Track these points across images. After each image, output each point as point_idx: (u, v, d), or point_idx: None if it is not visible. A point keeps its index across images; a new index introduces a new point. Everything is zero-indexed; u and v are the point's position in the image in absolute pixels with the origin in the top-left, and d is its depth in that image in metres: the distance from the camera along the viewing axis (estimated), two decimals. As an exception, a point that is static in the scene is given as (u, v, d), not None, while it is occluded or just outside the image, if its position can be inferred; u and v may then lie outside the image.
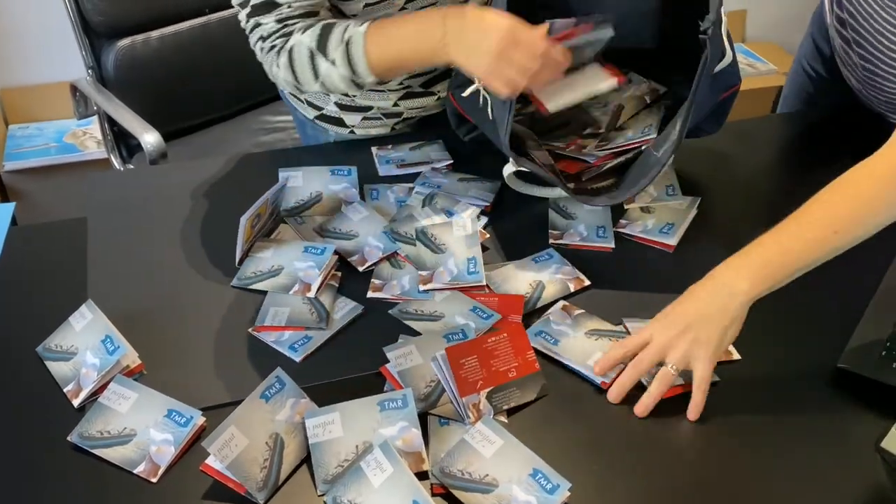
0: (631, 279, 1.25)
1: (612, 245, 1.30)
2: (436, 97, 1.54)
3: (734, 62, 1.30)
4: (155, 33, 2.01)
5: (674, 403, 1.05)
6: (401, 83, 1.43)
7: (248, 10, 1.28)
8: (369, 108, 1.53)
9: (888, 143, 1.08)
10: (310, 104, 1.57)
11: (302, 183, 1.38)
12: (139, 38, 1.99)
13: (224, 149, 2.09)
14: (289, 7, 1.26)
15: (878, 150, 1.07)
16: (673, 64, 1.39)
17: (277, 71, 1.31)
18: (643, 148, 1.34)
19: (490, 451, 0.96)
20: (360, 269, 1.23)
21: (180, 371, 1.07)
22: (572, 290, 1.20)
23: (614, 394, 1.04)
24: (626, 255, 1.30)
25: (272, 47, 1.29)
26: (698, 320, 1.03)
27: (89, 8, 1.90)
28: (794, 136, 1.68)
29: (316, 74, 1.27)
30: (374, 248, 1.26)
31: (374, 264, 1.24)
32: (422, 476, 0.94)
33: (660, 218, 1.34)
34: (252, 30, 1.30)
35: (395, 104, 1.52)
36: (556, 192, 1.36)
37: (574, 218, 1.34)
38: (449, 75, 1.50)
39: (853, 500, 0.96)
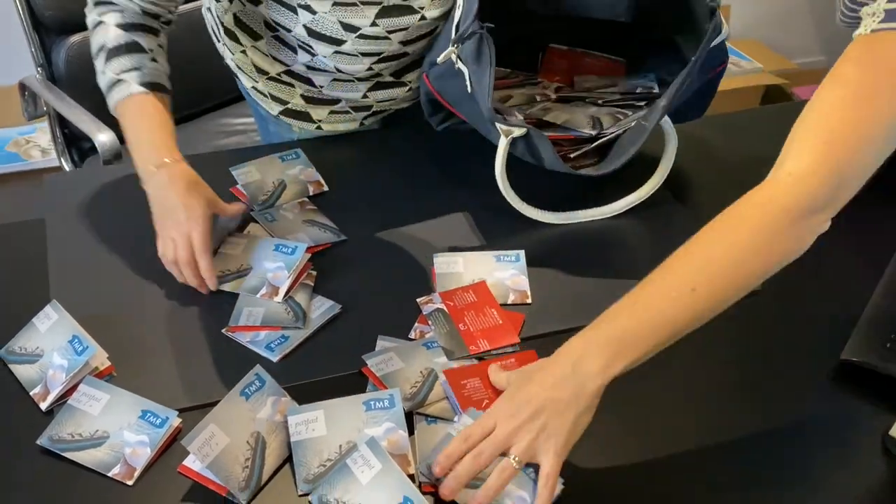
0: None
1: None
2: (406, 87, 1.57)
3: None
4: (108, 29, 2.03)
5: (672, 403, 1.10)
6: (370, 68, 1.46)
7: None
8: (337, 101, 1.56)
9: (772, 173, 1.01)
10: (274, 98, 1.58)
11: (259, 175, 1.43)
12: (91, 33, 2.01)
13: (182, 151, 2.09)
14: None
15: (767, 178, 1.01)
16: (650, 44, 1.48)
17: (88, 22, 1.36)
18: (632, 124, 1.40)
19: None
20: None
21: (152, 374, 1.10)
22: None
23: (448, 489, 0.94)
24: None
25: None
26: (547, 407, 0.94)
27: (39, 2, 1.91)
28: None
29: (94, 57, 1.33)
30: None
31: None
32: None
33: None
34: None
35: (365, 96, 1.55)
36: (547, 217, 1.39)
37: None
38: (420, 64, 1.54)
39: (859, 497, 1.01)
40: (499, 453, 0.95)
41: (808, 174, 0.98)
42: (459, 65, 1.30)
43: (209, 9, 1.57)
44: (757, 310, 1.22)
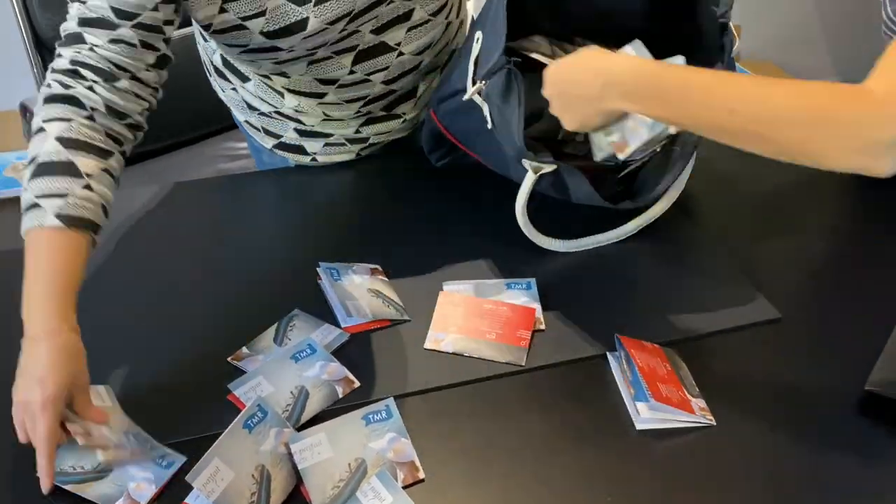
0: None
1: None
2: (401, 119, 1.55)
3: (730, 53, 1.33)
4: (110, 51, 2.04)
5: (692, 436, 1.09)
6: (358, 111, 1.45)
7: (62, 38, 1.17)
8: (331, 135, 1.54)
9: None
10: (267, 132, 1.56)
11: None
12: (93, 55, 2.01)
13: (182, 176, 2.10)
14: (90, 50, 1.13)
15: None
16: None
17: (32, 123, 1.15)
18: (657, 149, 1.38)
19: None
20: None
21: (154, 403, 1.10)
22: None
23: None
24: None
25: (48, 85, 1.14)
26: (574, 97, 1.16)
27: (42, 23, 1.93)
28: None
29: (25, 167, 1.11)
30: None
31: None
32: (418, 483, 1.00)
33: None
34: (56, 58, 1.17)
35: (357, 131, 1.53)
36: (567, 245, 1.38)
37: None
38: (413, 95, 1.52)
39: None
40: None
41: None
42: (478, 100, 1.27)
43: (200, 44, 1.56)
44: (780, 336, 1.22)
